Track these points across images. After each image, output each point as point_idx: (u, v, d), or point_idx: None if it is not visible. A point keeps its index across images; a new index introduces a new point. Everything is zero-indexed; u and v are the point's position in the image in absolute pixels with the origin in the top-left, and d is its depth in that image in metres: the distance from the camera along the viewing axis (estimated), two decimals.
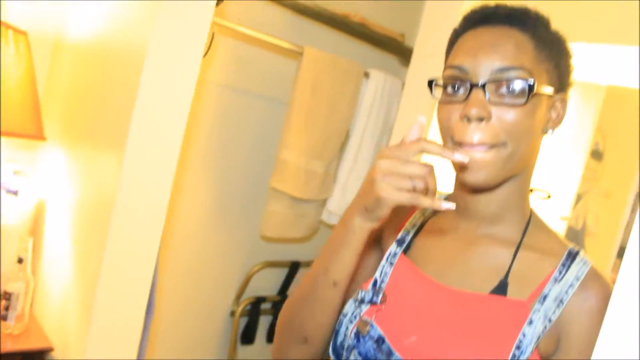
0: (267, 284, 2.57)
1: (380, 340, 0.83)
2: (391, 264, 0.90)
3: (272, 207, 2.20)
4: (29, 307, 1.56)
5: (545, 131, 0.83)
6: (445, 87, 0.81)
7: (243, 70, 2.19)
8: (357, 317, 0.86)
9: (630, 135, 3.03)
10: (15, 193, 1.65)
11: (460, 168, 0.79)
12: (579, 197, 3.21)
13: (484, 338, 0.77)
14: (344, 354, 0.86)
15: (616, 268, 3.81)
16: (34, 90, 1.59)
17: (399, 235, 0.94)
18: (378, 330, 0.83)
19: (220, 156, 2.25)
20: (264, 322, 2.59)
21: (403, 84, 2.38)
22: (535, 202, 0.91)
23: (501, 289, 0.80)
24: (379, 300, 0.85)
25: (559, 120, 0.84)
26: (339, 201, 2.35)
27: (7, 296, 1.48)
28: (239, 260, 2.44)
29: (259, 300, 2.50)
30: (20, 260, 1.50)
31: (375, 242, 0.97)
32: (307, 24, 2.24)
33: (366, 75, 2.29)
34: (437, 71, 2.03)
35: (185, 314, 2.33)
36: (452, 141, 0.80)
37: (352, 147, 2.32)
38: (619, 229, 3.36)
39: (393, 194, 0.72)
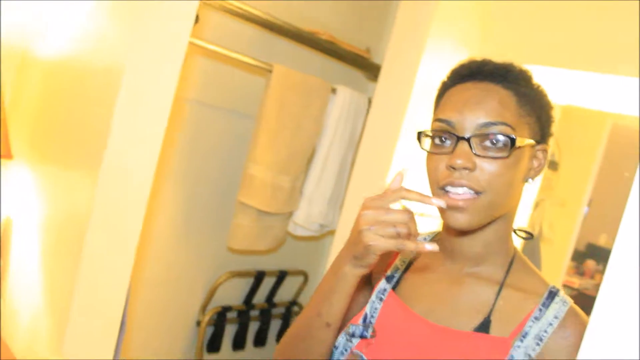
0: (232, 293, 2.59)
1: None
2: (380, 299, 0.96)
3: (239, 220, 2.23)
4: None
5: (526, 180, 0.89)
6: (433, 138, 0.88)
7: (211, 85, 2.21)
8: (348, 350, 0.92)
9: (584, 148, 3.17)
10: None
11: (445, 212, 0.85)
12: (536, 205, 3.33)
13: None
14: None
15: (570, 270, 3.98)
16: (2, 108, 1.58)
17: (389, 272, 1.00)
18: None
19: (188, 169, 2.26)
20: (230, 330, 2.62)
21: (369, 99, 2.43)
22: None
23: (484, 326, 0.86)
24: (369, 335, 0.92)
25: (540, 169, 0.91)
26: (305, 214, 2.39)
27: None
28: (205, 271, 2.46)
29: (224, 310, 2.53)
30: None
31: (365, 278, 1.03)
32: (276, 40, 2.27)
33: (333, 91, 2.33)
34: (404, 89, 2.07)
35: (151, 324, 2.34)
36: (438, 187, 0.86)
37: (318, 162, 2.37)
38: (572, 235, 3.52)
39: (380, 241, 0.78)
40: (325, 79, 2.32)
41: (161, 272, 2.30)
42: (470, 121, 0.83)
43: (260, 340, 2.72)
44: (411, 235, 0.79)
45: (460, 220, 0.83)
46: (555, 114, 0.94)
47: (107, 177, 1.39)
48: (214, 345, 2.53)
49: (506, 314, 0.87)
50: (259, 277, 2.62)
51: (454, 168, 0.83)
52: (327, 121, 2.34)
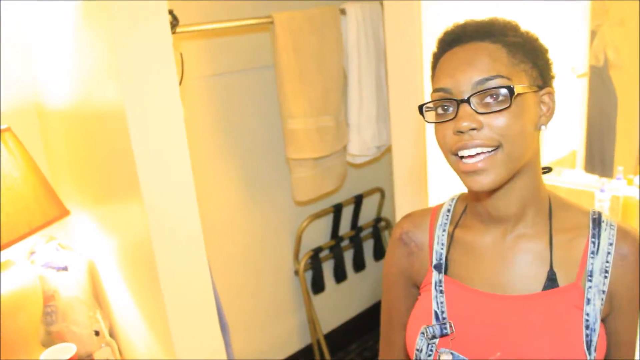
0: (318, 234, 2.66)
1: None
2: (441, 292, 0.94)
3: (297, 174, 2.23)
4: None
5: (538, 127, 0.86)
6: (435, 109, 0.86)
7: (220, 55, 2.14)
8: (434, 351, 0.91)
9: None
10: (65, 269, 1.73)
11: (466, 177, 0.83)
12: (593, 34, 3.08)
13: (556, 332, 0.84)
14: None
15: None
16: (41, 176, 1.62)
17: (433, 261, 0.97)
18: (460, 356, 0.89)
19: (232, 141, 2.26)
20: (327, 267, 2.72)
21: (381, 3, 2.27)
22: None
23: (552, 281, 0.87)
24: (449, 331, 0.90)
25: (550, 113, 0.87)
26: (358, 143, 2.35)
27: None
28: (284, 226, 2.53)
29: (316, 252, 2.60)
30: (97, 333, 1.61)
31: (407, 281, 1.02)
32: None
33: (342, 12, 2.19)
34: None
35: (254, 294, 2.47)
36: (451, 153, 0.84)
37: (354, 88, 2.28)
38: None
39: None
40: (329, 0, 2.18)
41: (243, 245, 2.39)
42: (464, 83, 0.81)
43: (359, 265, 2.81)
44: None
45: (484, 181, 0.81)
46: (551, 56, 0.88)
47: (151, 200, 1.41)
48: (317, 286, 2.64)
49: (565, 260, 0.87)
50: (338, 209, 2.65)
51: (461, 132, 0.81)
52: (348, 44, 2.23)
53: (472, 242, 0.94)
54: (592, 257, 0.85)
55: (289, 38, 2.03)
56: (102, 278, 1.81)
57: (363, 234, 2.81)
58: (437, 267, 0.96)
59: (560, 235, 0.88)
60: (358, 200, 2.72)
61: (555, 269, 0.86)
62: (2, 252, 1.51)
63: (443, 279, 0.95)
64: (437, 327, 0.91)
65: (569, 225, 0.89)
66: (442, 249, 0.97)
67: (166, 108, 1.42)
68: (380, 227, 2.88)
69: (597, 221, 0.87)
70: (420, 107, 0.87)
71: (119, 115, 1.36)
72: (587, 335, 0.82)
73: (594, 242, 0.85)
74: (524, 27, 0.88)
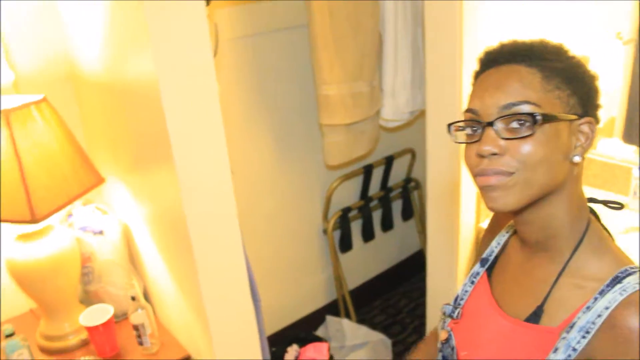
0: (348, 194, 2.68)
1: (453, 350, 0.96)
2: (472, 282, 1.00)
3: (329, 139, 2.23)
4: (156, 325, 1.77)
5: (571, 158, 0.82)
6: (465, 129, 0.86)
7: (252, 17, 2.10)
8: (445, 325, 1.00)
9: None
10: (101, 233, 1.79)
11: (483, 194, 0.83)
12: None
13: None
14: (438, 352, 1.01)
15: None
16: (77, 145, 1.65)
17: (484, 255, 1.02)
18: (454, 340, 0.96)
19: (265, 103, 2.25)
20: (356, 227, 2.75)
21: None
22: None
23: (535, 316, 0.86)
24: (455, 316, 0.98)
25: (589, 144, 0.84)
26: (392, 108, 2.33)
27: (136, 327, 1.69)
28: (315, 186, 2.55)
29: (345, 212, 2.63)
30: (133, 298, 1.68)
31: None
32: None
33: None
34: None
35: (283, 252, 2.52)
36: (473, 174, 0.85)
37: (389, 53, 2.23)
38: None
39: None
40: None
41: (274, 205, 2.43)
42: (491, 106, 0.80)
43: (387, 225, 2.83)
44: None
45: (499, 201, 0.80)
46: (600, 84, 0.83)
47: (184, 168, 1.42)
48: (345, 245, 2.68)
49: (561, 303, 0.84)
50: (368, 170, 2.66)
51: (482, 156, 0.80)
52: (384, 8, 2.16)
53: (512, 254, 0.97)
54: (583, 312, 0.80)
55: (324, 2, 1.97)
56: (137, 242, 1.87)
57: (392, 194, 2.82)
58: (482, 262, 1.01)
59: (570, 278, 0.84)
60: (389, 161, 2.71)
61: (547, 308, 0.85)
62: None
63: (481, 273, 1.00)
64: (450, 308, 0.99)
65: (586, 273, 0.84)
66: (496, 247, 1.01)
67: (200, 81, 1.41)
68: (409, 187, 2.87)
69: (617, 280, 0.80)
70: (449, 126, 0.87)
71: (151, 86, 1.36)
72: None
73: (595, 298, 0.80)
74: (572, 51, 0.84)
